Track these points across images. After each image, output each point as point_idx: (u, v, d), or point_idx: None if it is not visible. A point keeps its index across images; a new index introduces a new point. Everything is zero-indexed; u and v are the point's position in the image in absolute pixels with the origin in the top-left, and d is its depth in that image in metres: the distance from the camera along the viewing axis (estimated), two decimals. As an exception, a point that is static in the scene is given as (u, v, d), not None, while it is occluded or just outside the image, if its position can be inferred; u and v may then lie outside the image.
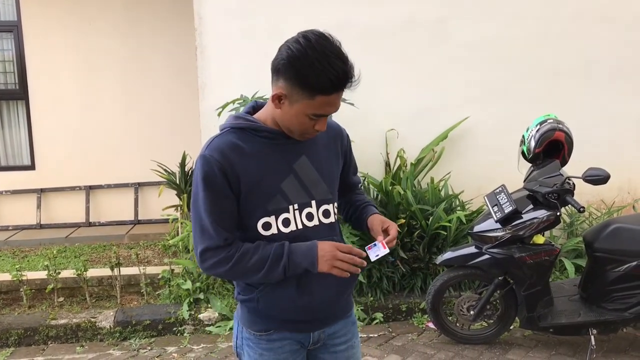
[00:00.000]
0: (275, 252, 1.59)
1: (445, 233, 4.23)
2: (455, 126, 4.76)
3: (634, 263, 3.29)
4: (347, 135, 1.86)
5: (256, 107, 1.72)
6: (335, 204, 1.76)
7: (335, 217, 1.76)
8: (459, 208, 4.52)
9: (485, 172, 4.62)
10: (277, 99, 1.55)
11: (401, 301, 4.22)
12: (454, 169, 4.76)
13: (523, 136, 3.58)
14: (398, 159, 4.74)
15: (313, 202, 1.68)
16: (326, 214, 1.71)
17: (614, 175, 3.91)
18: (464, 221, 4.27)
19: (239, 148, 1.59)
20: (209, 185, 1.56)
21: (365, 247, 1.73)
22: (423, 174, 4.78)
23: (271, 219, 1.63)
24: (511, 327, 3.69)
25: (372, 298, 4.21)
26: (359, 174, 2.04)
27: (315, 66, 1.44)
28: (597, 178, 3.03)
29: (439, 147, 4.80)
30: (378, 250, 1.71)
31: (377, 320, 4.14)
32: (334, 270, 1.60)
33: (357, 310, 4.12)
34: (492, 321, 3.67)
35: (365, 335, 3.93)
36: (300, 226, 1.66)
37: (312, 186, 1.68)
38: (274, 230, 1.64)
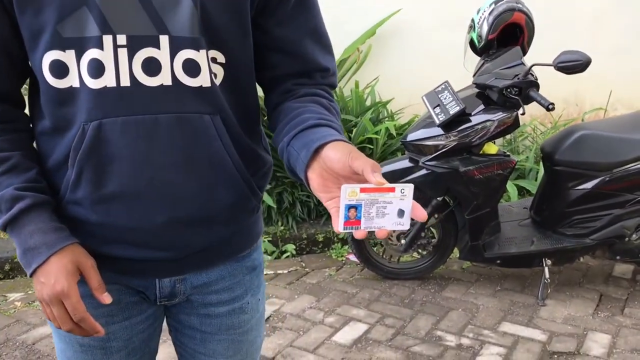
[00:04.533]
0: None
1: (372, 147, 3.58)
2: (385, 20, 4.02)
3: (602, 178, 2.69)
4: None
5: None
6: (222, 57, 0.90)
7: (220, 80, 0.91)
8: (387, 118, 3.88)
9: (420, 77, 3.85)
10: None
11: (317, 230, 3.55)
12: (382, 72, 4.06)
13: (472, 20, 2.86)
14: (316, 59, 3.93)
15: (163, 40, 0.85)
16: (191, 68, 0.87)
17: (560, 86, 3.31)
18: (394, 133, 3.65)
19: None
20: None
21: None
22: (346, 79, 4.06)
23: (67, 57, 0.85)
24: (448, 259, 3.06)
25: (282, 227, 3.53)
26: None
27: None
28: (575, 64, 2.29)
29: (366, 46, 4.08)
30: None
31: (288, 254, 3.46)
32: (45, 310, 0.91)
33: (264, 242, 3.36)
34: (426, 252, 3.04)
35: (272, 272, 3.19)
36: (126, 82, 0.85)
37: (161, 7, 0.83)
38: (73, 82, 0.86)
